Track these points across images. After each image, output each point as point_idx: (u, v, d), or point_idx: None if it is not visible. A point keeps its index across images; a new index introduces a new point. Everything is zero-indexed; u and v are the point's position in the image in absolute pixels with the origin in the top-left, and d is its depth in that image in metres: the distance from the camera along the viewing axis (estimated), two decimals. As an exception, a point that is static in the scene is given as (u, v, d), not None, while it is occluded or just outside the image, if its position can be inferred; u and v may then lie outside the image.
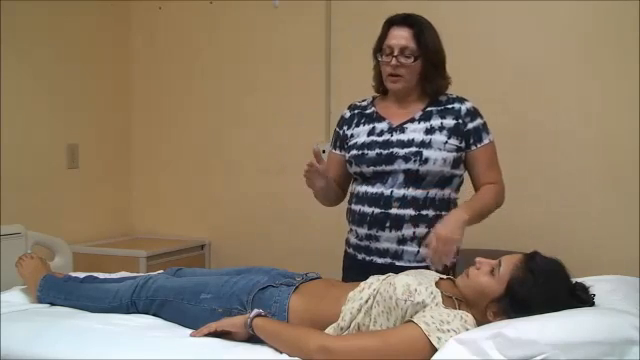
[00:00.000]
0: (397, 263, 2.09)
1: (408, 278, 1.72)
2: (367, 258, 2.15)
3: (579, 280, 1.69)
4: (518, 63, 2.99)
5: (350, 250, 2.23)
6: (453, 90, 2.23)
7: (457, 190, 2.19)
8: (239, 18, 3.53)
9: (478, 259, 1.71)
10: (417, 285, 1.68)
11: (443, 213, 2.10)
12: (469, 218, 2.01)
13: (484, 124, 2.17)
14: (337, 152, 2.30)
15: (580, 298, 1.63)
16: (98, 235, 3.58)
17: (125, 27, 3.77)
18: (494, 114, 2.94)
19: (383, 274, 1.83)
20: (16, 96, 3.11)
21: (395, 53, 2.10)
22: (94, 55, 3.54)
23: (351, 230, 2.22)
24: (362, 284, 1.78)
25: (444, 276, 1.83)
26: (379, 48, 2.16)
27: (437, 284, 1.73)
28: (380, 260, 2.12)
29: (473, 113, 2.16)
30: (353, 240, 2.20)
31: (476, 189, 2.17)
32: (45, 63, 3.27)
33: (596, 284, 1.71)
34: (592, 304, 1.64)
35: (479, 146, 2.14)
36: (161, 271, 2.31)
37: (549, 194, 2.95)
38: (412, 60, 2.10)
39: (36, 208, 3.18)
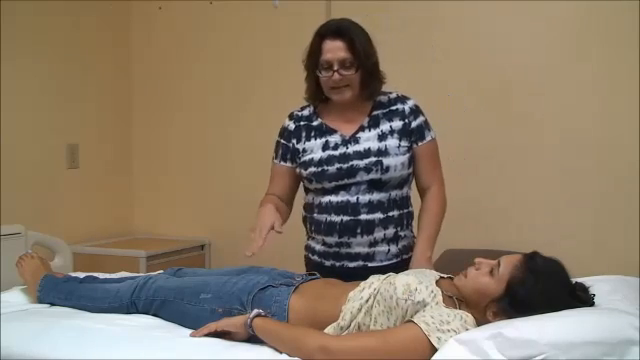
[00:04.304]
0: (369, 264, 2.09)
1: (408, 277, 1.73)
2: (337, 264, 2.13)
3: (579, 280, 1.68)
4: (516, 63, 2.98)
5: (314, 257, 2.19)
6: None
7: (410, 186, 2.20)
8: (239, 18, 3.53)
9: (477, 259, 1.71)
10: (417, 284, 1.68)
11: (405, 211, 2.13)
12: (431, 254, 2.09)
13: (426, 121, 2.18)
14: (285, 164, 2.22)
15: (580, 298, 1.62)
16: (98, 235, 3.58)
17: (125, 27, 3.77)
18: (494, 114, 2.96)
19: (354, 276, 1.85)
20: (16, 96, 3.10)
21: (335, 67, 2.06)
22: (94, 55, 3.54)
23: (314, 238, 2.19)
24: (362, 284, 1.78)
25: (444, 275, 1.83)
26: (314, 62, 2.12)
27: (438, 283, 1.73)
28: (352, 264, 2.11)
29: (416, 111, 2.16)
30: (319, 248, 2.17)
31: (419, 187, 2.19)
32: (45, 63, 3.27)
33: (596, 284, 1.71)
34: (592, 304, 1.64)
35: (421, 144, 2.15)
36: (161, 271, 2.31)
37: (549, 194, 2.95)
38: (354, 71, 2.07)
39: (36, 208, 3.18)
